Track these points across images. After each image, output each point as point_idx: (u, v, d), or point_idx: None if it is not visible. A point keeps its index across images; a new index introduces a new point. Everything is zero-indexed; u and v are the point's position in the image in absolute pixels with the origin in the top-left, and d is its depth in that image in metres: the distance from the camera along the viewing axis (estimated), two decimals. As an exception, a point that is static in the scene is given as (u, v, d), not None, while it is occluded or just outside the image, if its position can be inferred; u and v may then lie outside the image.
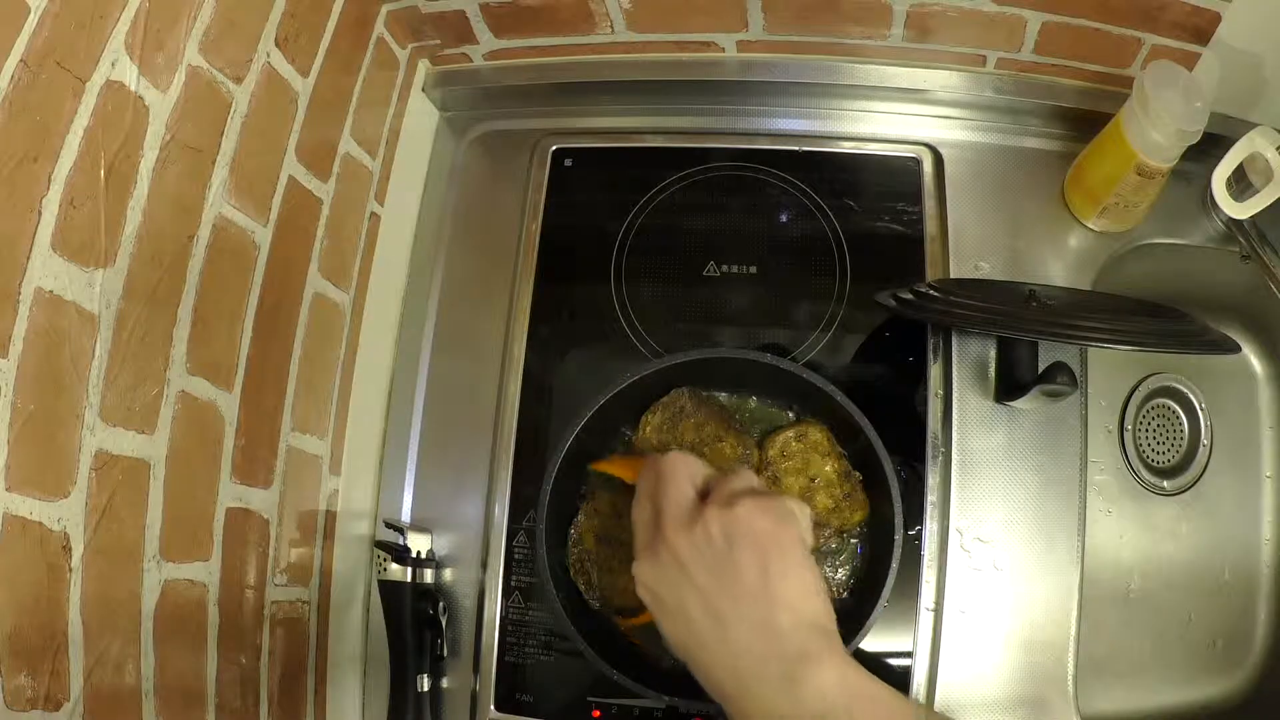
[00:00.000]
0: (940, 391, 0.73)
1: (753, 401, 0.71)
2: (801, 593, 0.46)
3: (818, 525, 0.65)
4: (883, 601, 0.61)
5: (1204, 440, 0.85)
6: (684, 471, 0.52)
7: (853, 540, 0.67)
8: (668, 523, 0.49)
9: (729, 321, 0.78)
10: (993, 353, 0.73)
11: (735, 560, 0.46)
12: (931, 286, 0.72)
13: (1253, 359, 0.87)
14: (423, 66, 0.86)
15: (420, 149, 0.87)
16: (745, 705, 0.45)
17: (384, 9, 0.77)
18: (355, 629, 0.76)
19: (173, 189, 0.55)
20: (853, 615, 0.62)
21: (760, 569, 0.46)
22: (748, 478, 0.52)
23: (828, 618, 0.47)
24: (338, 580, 0.76)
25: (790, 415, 0.70)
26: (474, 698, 0.71)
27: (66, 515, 0.48)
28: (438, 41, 0.84)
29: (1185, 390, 0.87)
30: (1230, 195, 0.72)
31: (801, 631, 0.45)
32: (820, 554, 0.66)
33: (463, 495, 0.76)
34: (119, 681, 0.52)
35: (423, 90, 0.86)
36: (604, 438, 0.70)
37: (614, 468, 0.65)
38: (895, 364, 0.74)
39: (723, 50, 0.82)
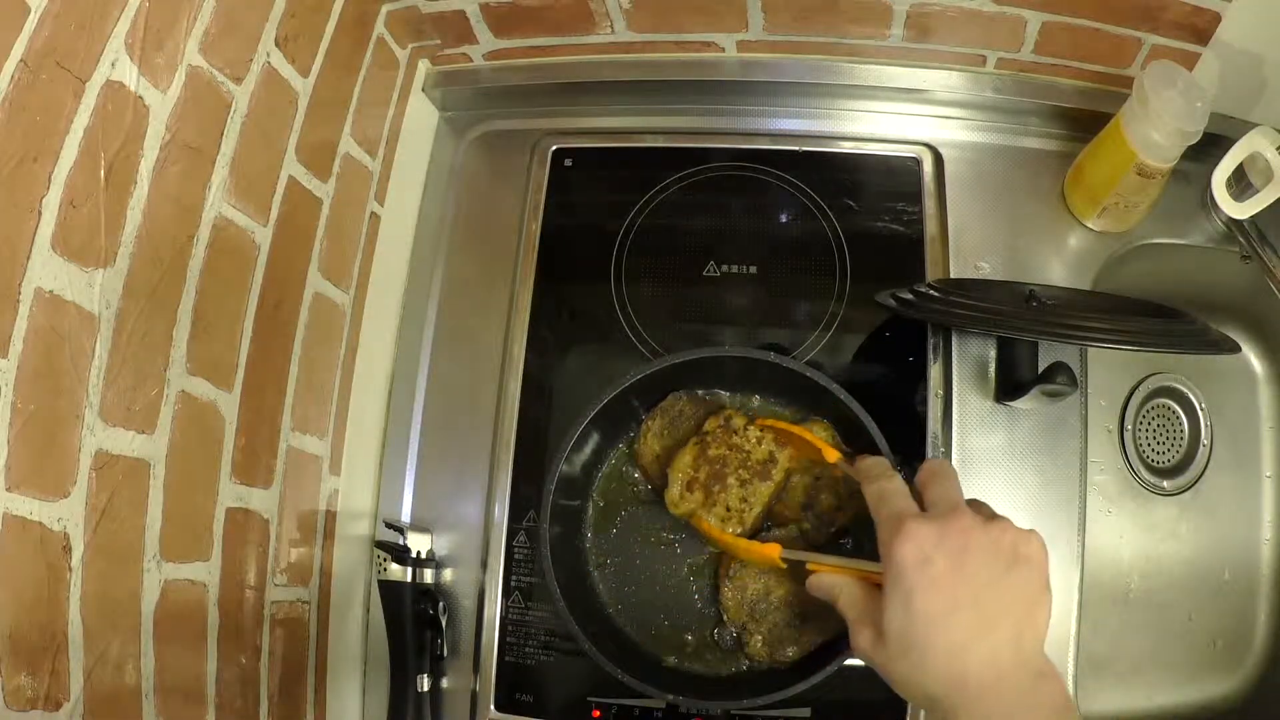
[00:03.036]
0: (940, 391, 0.73)
1: (755, 400, 0.71)
2: (1046, 624, 0.49)
3: (823, 522, 0.66)
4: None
5: (1204, 440, 0.85)
6: (955, 473, 0.54)
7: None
8: (961, 511, 0.49)
9: (729, 321, 0.78)
10: (993, 353, 0.73)
11: (1016, 574, 0.48)
12: (931, 286, 0.72)
13: (1253, 359, 0.87)
14: (423, 66, 0.86)
15: (420, 149, 0.87)
16: (980, 703, 0.46)
17: (384, 9, 0.77)
18: (355, 629, 0.76)
19: (173, 189, 0.55)
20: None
21: (1029, 594, 0.49)
22: (992, 509, 0.53)
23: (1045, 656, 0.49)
24: (338, 580, 0.76)
25: (791, 414, 0.70)
26: (474, 698, 0.71)
27: (66, 515, 0.48)
28: (438, 41, 0.84)
29: (1185, 390, 0.87)
30: (1230, 195, 0.72)
31: (1040, 655, 0.48)
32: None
33: (463, 495, 0.76)
34: (119, 681, 0.52)
35: (423, 90, 0.86)
36: (607, 437, 0.70)
37: (816, 439, 0.62)
38: (895, 364, 0.74)
39: (723, 50, 0.82)
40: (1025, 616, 0.48)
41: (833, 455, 0.61)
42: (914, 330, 0.74)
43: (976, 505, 0.52)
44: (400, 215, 0.84)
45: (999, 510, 0.52)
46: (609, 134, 0.85)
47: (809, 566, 0.56)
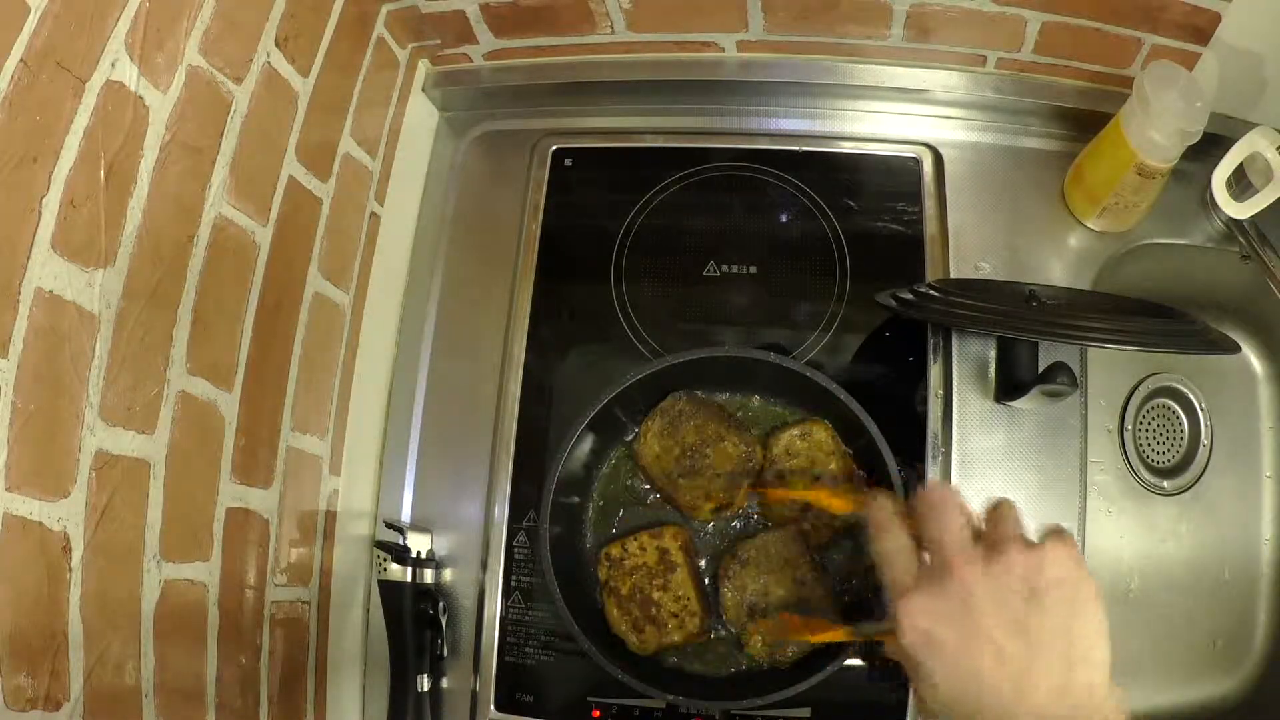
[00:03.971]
0: (940, 391, 0.73)
1: (755, 400, 0.71)
2: (1102, 658, 0.43)
3: (823, 521, 0.66)
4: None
5: (1204, 440, 0.85)
6: (956, 503, 0.47)
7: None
8: (955, 555, 0.44)
9: (729, 321, 0.78)
10: (993, 353, 0.73)
11: (1040, 608, 0.42)
12: (931, 286, 0.72)
13: (1253, 359, 0.87)
14: (423, 66, 0.86)
15: (420, 149, 0.87)
16: None
17: (384, 9, 0.77)
18: (355, 629, 0.76)
19: (173, 189, 0.55)
20: (857, 614, 0.62)
21: (1064, 625, 0.42)
22: (1015, 517, 0.47)
23: (1113, 685, 0.43)
24: (338, 580, 0.76)
25: (791, 414, 0.70)
26: (474, 698, 0.71)
27: (66, 515, 0.48)
28: (438, 41, 0.84)
29: (1185, 390, 0.86)
30: (1230, 195, 0.72)
31: (1097, 700, 0.42)
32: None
33: (463, 495, 0.76)
34: (119, 681, 0.52)
35: (423, 90, 0.86)
36: (607, 437, 0.70)
37: (821, 497, 0.61)
38: (895, 364, 0.74)
39: (723, 50, 0.82)
40: (1065, 650, 0.42)
41: (844, 507, 0.59)
42: (914, 330, 0.74)
43: (996, 521, 0.46)
44: (400, 215, 0.84)
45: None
46: (609, 134, 0.85)
47: (876, 639, 0.54)
